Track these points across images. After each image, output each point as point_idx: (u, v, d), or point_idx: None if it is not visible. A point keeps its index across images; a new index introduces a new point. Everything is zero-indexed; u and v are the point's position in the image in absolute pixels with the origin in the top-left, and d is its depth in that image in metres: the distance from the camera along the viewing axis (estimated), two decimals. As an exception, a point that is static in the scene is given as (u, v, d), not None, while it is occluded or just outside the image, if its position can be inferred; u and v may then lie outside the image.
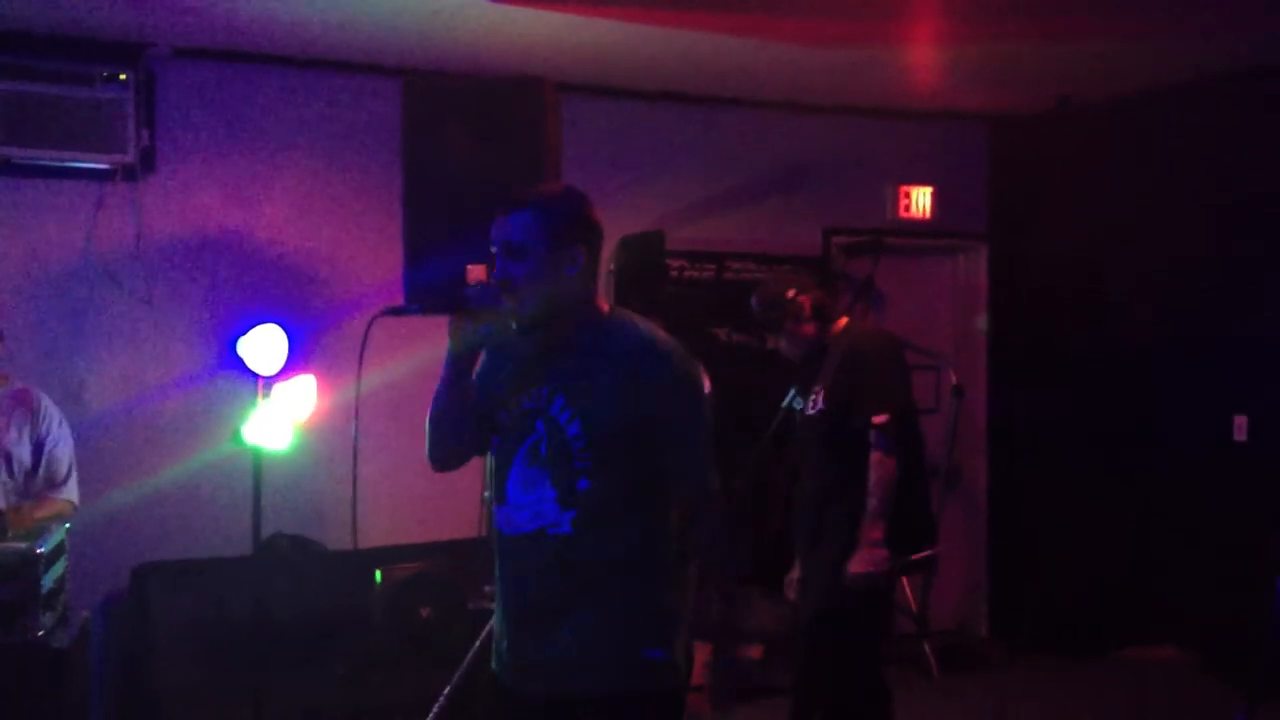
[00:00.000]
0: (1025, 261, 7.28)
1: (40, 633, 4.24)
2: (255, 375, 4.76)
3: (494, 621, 2.91)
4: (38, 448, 4.51)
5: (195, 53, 5.52)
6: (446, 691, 4.43)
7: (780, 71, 6.10)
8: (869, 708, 4.45)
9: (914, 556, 4.37)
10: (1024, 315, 7.30)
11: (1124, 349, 6.78)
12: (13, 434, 4.46)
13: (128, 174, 5.40)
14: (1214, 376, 6.32)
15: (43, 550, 4.28)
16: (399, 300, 4.19)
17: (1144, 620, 6.65)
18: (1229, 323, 6.26)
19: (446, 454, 2.92)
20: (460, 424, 2.84)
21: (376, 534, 5.65)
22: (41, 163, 5.28)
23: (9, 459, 4.45)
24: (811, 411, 4.47)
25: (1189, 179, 6.43)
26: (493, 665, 2.88)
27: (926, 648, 6.57)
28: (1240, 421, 6.17)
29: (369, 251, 5.77)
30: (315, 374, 4.98)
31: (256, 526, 4.71)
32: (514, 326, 2.75)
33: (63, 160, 5.29)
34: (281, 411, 4.76)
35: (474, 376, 2.83)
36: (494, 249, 2.76)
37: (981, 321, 7.48)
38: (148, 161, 5.46)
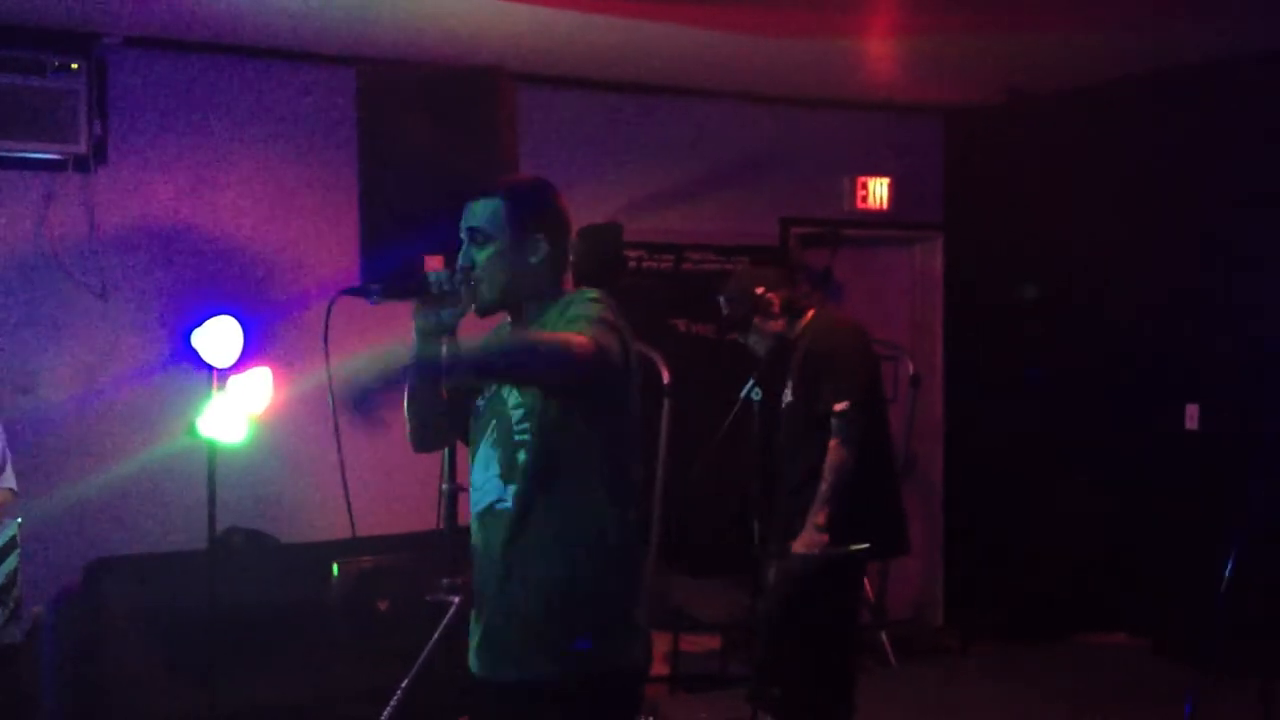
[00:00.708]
0: (980, 252, 7.34)
1: (-8, 628, 4.20)
2: (210, 367, 4.72)
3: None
4: None
5: (148, 42, 5.46)
6: (405, 684, 4.42)
7: (738, 62, 6.11)
8: (828, 693, 4.45)
9: (854, 548, 4.34)
10: (979, 305, 7.35)
11: (1078, 338, 6.85)
12: None
13: (80, 164, 5.34)
14: (1166, 365, 6.39)
15: (-6, 545, 4.25)
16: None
17: (1097, 606, 6.73)
18: (1181, 312, 6.33)
19: (424, 437, 2.97)
20: (431, 408, 2.88)
21: (332, 527, 5.62)
22: (-9, 153, 5.22)
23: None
24: (786, 401, 4.53)
25: (1140, 170, 6.50)
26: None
27: (883, 636, 6.61)
28: (1192, 410, 6.25)
29: (325, 242, 5.74)
30: (271, 366, 4.95)
31: (211, 520, 4.67)
32: (475, 312, 2.78)
33: (13, 150, 5.22)
34: (236, 404, 4.72)
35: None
36: (462, 235, 2.80)
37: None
38: (100, 152, 5.41)
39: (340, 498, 5.53)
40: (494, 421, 2.78)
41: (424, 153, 3.97)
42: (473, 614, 2.85)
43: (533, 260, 2.77)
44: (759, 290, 4.52)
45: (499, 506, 2.73)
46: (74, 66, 5.24)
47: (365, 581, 5.34)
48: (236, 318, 4.80)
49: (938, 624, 7.38)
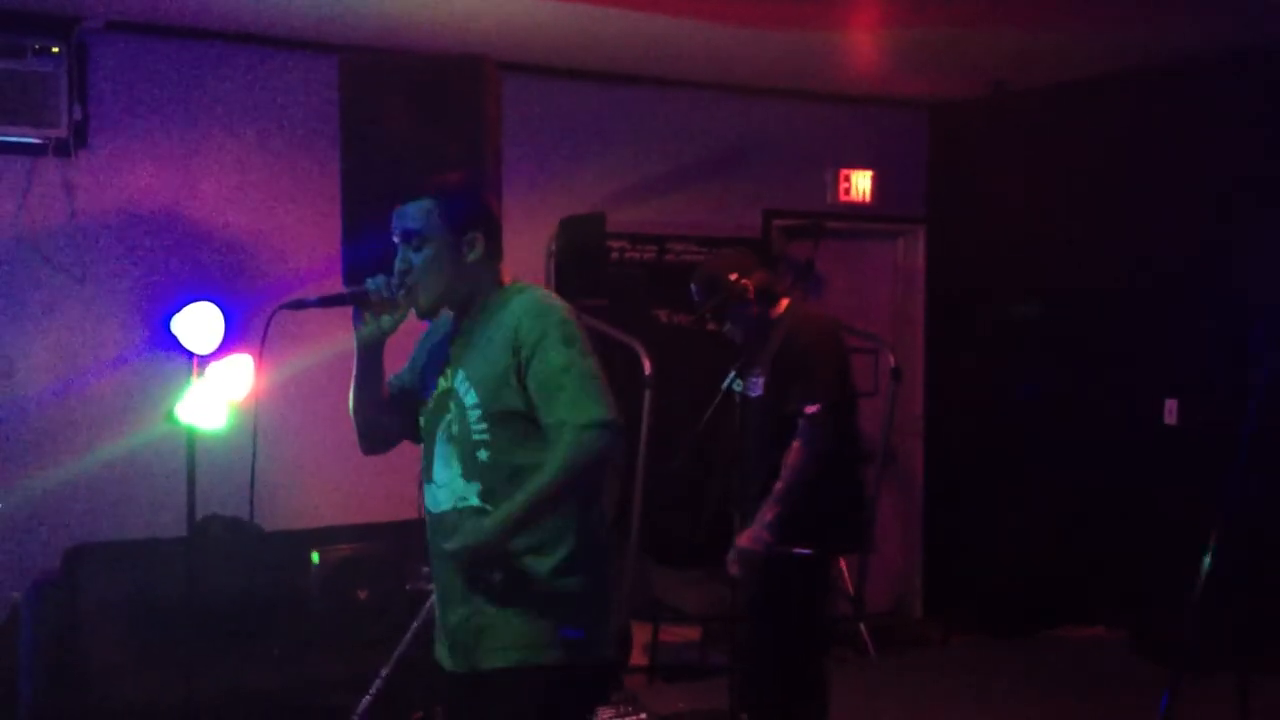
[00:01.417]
0: (963, 246, 7.35)
1: (-32, 615, 4.19)
2: (190, 354, 4.70)
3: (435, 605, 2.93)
4: None
5: (129, 26, 5.43)
6: (384, 672, 4.42)
7: (722, 54, 6.11)
8: (804, 690, 4.45)
9: (796, 551, 4.25)
10: (961, 299, 7.37)
11: (1059, 333, 6.88)
12: None
13: (60, 149, 5.30)
14: (1146, 360, 6.42)
15: (-29, 531, 4.23)
16: (336, 277, 4.18)
17: (1076, 600, 6.77)
18: (1161, 307, 6.36)
19: (371, 441, 2.99)
20: (376, 411, 2.92)
21: (312, 515, 5.62)
22: (-29, 136, 5.18)
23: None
24: (753, 395, 4.42)
25: (1123, 166, 6.52)
26: (435, 652, 2.91)
27: (862, 628, 6.63)
28: (1171, 405, 6.28)
29: (307, 229, 5.72)
30: (251, 353, 4.93)
31: (191, 507, 4.65)
32: (416, 314, 2.81)
33: (-7, 134, 5.20)
34: (216, 391, 4.70)
35: (408, 361, 2.92)
36: (395, 238, 2.80)
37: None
38: (80, 136, 5.37)
39: (319, 486, 5.55)
40: (448, 416, 2.78)
41: (407, 141, 3.96)
42: (438, 610, 2.86)
43: (470, 258, 2.78)
44: (733, 276, 4.38)
45: (463, 505, 2.74)
46: (54, 50, 5.21)
47: (345, 570, 5.34)
48: (217, 304, 4.77)
49: (917, 616, 7.41)
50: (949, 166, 7.47)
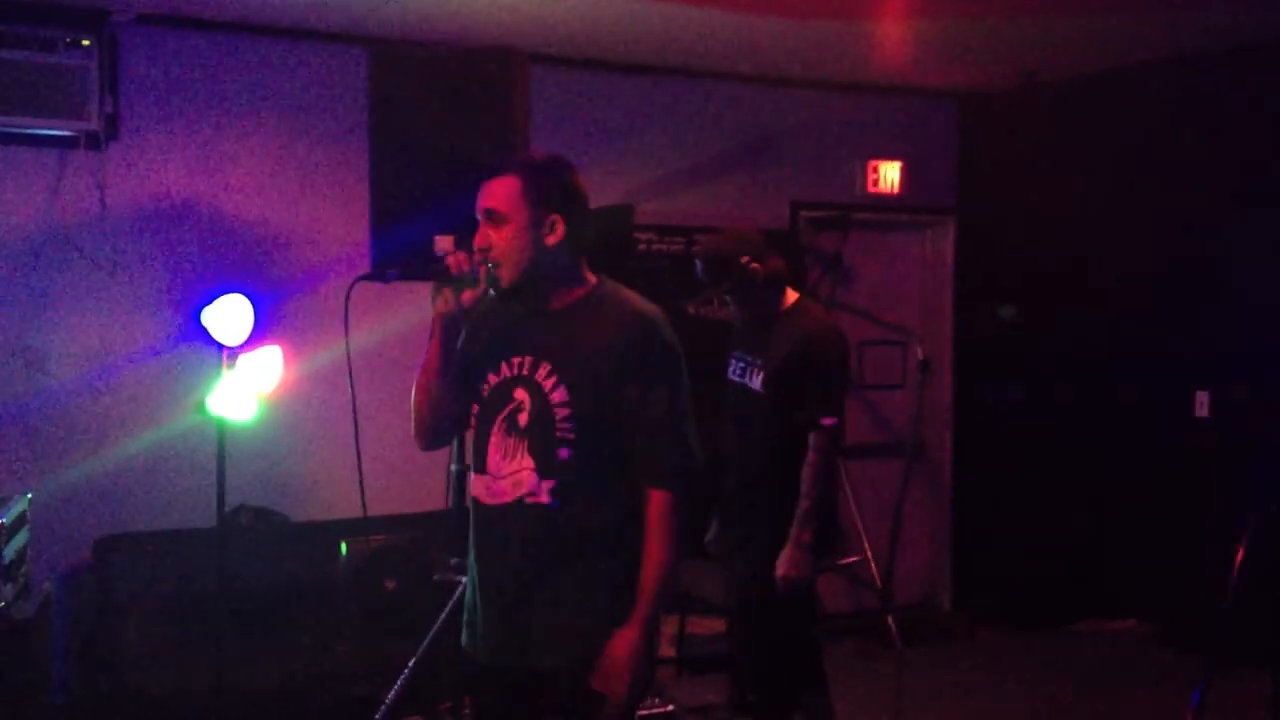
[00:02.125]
0: (992, 237, 7.31)
1: (2, 604, 4.22)
2: (220, 346, 4.72)
3: (467, 594, 2.89)
4: None
5: (159, 19, 5.46)
6: (411, 663, 4.43)
7: (750, 44, 6.09)
8: (803, 691, 4.35)
9: (841, 561, 4.27)
10: (991, 291, 7.33)
11: (1089, 324, 6.84)
12: None
13: (91, 141, 5.33)
14: (1177, 352, 6.37)
15: (4, 521, 4.26)
16: (364, 269, 4.17)
17: (1105, 593, 6.74)
18: (1193, 299, 6.31)
19: (434, 431, 2.91)
20: (445, 398, 2.83)
21: (342, 506, 5.63)
22: (3, 129, 5.21)
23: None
24: (753, 388, 4.23)
25: (1155, 156, 6.48)
26: (463, 640, 2.88)
27: (890, 621, 6.60)
28: (1202, 397, 6.24)
29: (335, 221, 5.73)
30: (281, 344, 4.95)
31: (220, 498, 4.68)
32: (492, 294, 2.75)
33: (25, 127, 5.22)
34: (246, 382, 4.73)
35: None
36: (478, 215, 2.75)
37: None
38: (112, 129, 5.40)
39: (348, 477, 5.54)
40: (516, 410, 2.72)
41: (435, 133, 3.96)
42: (481, 603, 2.81)
43: (550, 241, 2.72)
44: (744, 259, 4.16)
45: (531, 501, 2.69)
46: (85, 43, 5.23)
47: (373, 561, 5.36)
48: (247, 296, 4.79)
49: (945, 609, 7.38)
50: (978, 158, 7.43)
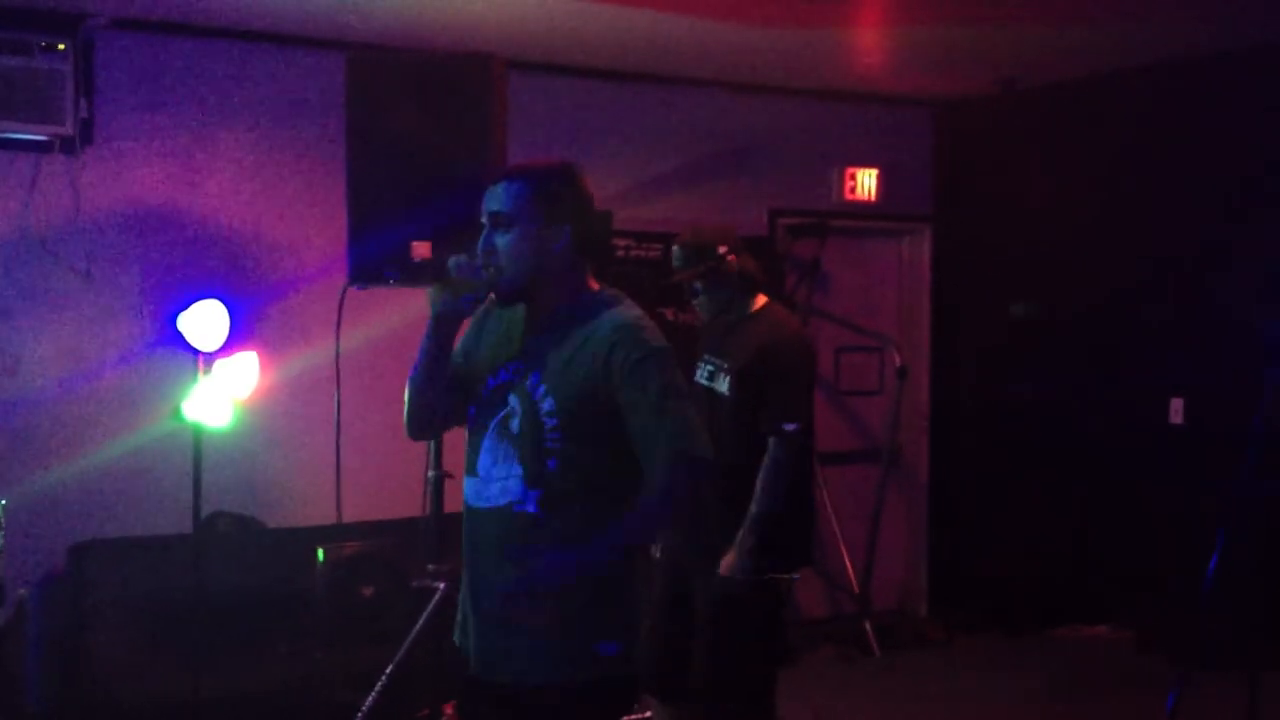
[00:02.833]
0: (969, 244, 7.35)
1: (-25, 611, 4.19)
2: (196, 351, 4.71)
3: (460, 596, 2.88)
4: None
5: (135, 24, 5.43)
6: (389, 670, 4.42)
7: (726, 51, 6.10)
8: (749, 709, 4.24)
9: (794, 574, 4.11)
10: (967, 297, 7.37)
11: (1064, 331, 6.87)
12: None
13: (66, 146, 5.30)
14: (1152, 359, 6.41)
15: (-23, 527, 4.23)
16: (342, 275, 4.16)
17: (1081, 599, 6.76)
18: (1168, 306, 6.36)
19: (424, 423, 2.88)
20: (438, 394, 2.81)
21: (319, 513, 5.61)
22: (-23, 133, 5.19)
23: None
24: (719, 390, 4.16)
25: (1130, 164, 6.52)
26: (455, 636, 2.86)
27: (867, 626, 6.63)
28: (1177, 404, 6.27)
29: (312, 227, 5.72)
30: (257, 350, 4.94)
31: (197, 504, 4.66)
32: (493, 298, 2.74)
33: (-1, 131, 5.20)
34: (222, 388, 4.71)
35: (455, 348, 2.82)
36: (483, 219, 2.73)
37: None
38: (86, 133, 5.37)
39: (325, 484, 5.54)
40: (508, 415, 2.70)
41: (413, 139, 3.96)
42: (468, 612, 2.80)
43: (555, 248, 2.70)
44: (722, 249, 4.11)
45: (518, 509, 2.67)
46: (60, 47, 5.20)
47: (350, 567, 5.34)
48: (223, 301, 4.78)
49: (922, 614, 7.41)
50: (955, 165, 7.47)
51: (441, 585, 4.17)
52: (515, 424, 2.69)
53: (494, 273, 2.69)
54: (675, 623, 4.19)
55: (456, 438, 2.96)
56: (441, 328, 2.73)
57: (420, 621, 4.32)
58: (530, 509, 2.66)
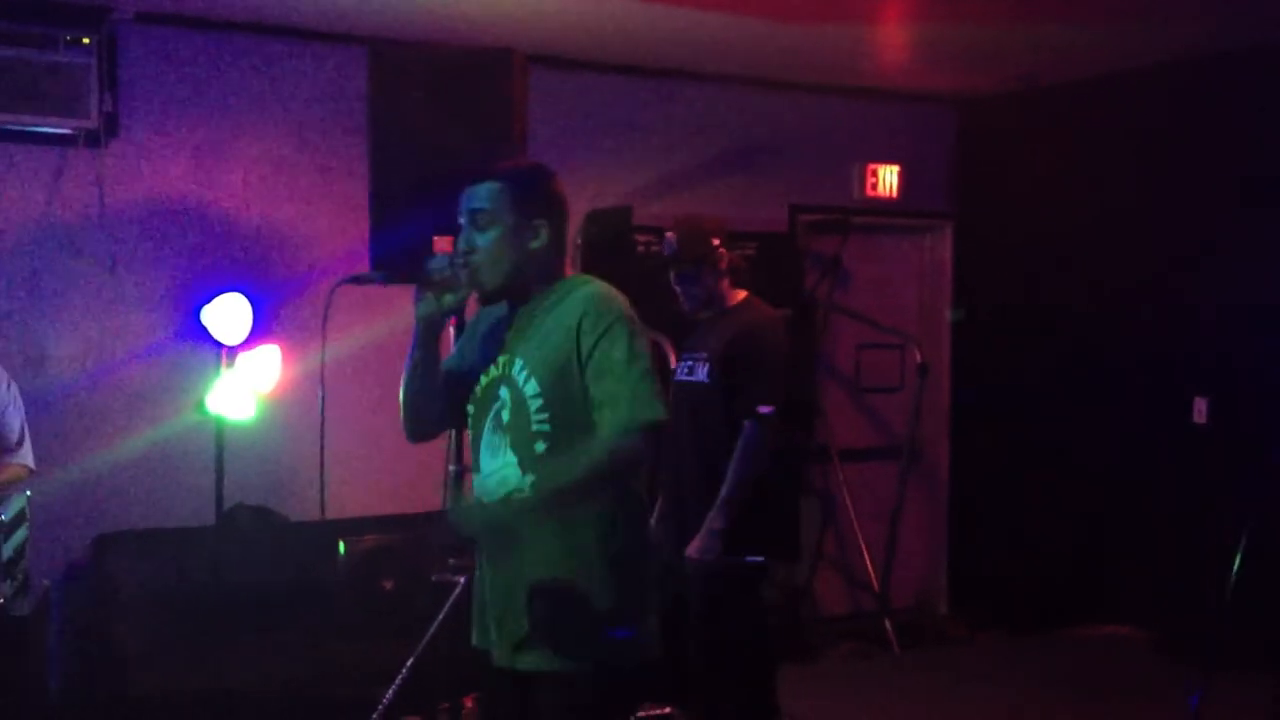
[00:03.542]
0: (990, 241, 7.32)
1: (0, 601, 4.22)
2: (219, 345, 4.74)
3: (475, 592, 2.91)
4: None
5: (159, 18, 5.46)
6: (409, 663, 4.44)
7: (749, 47, 6.09)
8: (751, 702, 4.28)
9: (749, 560, 4.13)
10: (988, 295, 7.34)
11: (1087, 330, 6.84)
12: None
13: (90, 139, 5.34)
14: (1175, 358, 6.38)
15: (3, 518, 4.27)
16: (363, 269, 4.18)
17: (1102, 599, 6.74)
18: (1192, 305, 6.32)
19: (418, 425, 2.94)
20: (429, 395, 2.87)
21: (340, 506, 5.63)
22: (3, 127, 5.20)
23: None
24: (699, 380, 4.24)
25: (1153, 161, 6.48)
26: (474, 637, 2.89)
27: (887, 624, 6.62)
28: (1200, 404, 6.24)
29: (334, 220, 5.74)
30: (279, 344, 4.96)
31: (219, 497, 4.70)
32: (475, 297, 2.78)
33: (24, 124, 5.22)
34: (245, 381, 4.74)
35: (454, 349, 2.87)
36: (461, 219, 2.79)
37: (953, 313, 7.47)
38: (111, 127, 5.40)
39: (346, 477, 5.59)
40: (502, 407, 2.75)
41: (434, 133, 3.97)
42: (482, 600, 2.83)
43: (534, 245, 2.77)
44: (715, 241, 4.25)
45: (518, 497, 2.71)
46: (85, 41, 5.24)
47: (371, 560, 5.35)
48: (245, 295, 4.81)
49: (942, 613, 7.39)
50: (977, 162, 7.44)
51: (461, 579, 4.18)
52: (505, 414, 2.74)
53: (473, 272, 2.75)
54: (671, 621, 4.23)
55: (478, 431, 2.97)
56: (428, 330, 2.80)
57: (440, 615, 4.34)
58: (529, 494, 2.70)
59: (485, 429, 2.78)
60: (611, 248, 5.68)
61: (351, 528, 5.41)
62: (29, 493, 4.57)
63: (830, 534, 7.05)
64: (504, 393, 2.75)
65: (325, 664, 5.15)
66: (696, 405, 4.23)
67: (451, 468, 4.40)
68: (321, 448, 3.18)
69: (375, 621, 5.28)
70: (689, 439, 4.23)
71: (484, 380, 2.82)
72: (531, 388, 2.70)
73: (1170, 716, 4.88)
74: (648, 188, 6.54)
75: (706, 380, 4.21)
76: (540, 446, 2.69)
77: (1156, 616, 6.40)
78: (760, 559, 4.17)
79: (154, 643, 5.07)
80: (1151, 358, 6.50)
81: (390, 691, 4.44)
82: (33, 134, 5.27)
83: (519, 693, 2.78)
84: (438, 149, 3.93)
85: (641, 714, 4.85)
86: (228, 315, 4.73)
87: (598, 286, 2.78)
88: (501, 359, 2.79)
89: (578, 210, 5.93)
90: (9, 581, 4.32)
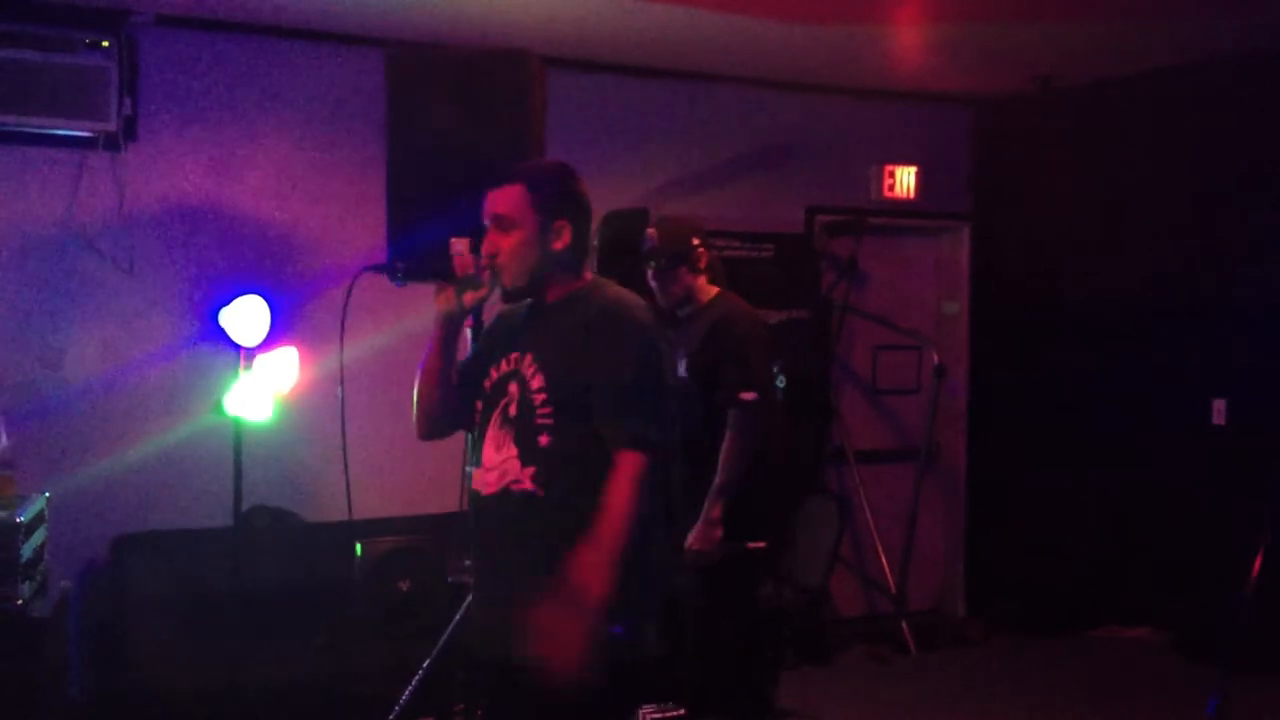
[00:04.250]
0: (1007, 242, 7.30)
1: (19, 602, 4.24)
2: (237, 346, 4.75)
3: (472, 587, 2.93)
4: None
5: (178, 21, 5.48)
6: (426, 664, 4.44)
7: (766, 48, 6.09)
8: (749, 691, 4.31)
9: (750, 545, 4.19)
10: (1005, 296, 7.32)
11: (1104, 331, 6.82)
12: None
13: (109, 142, 5.36)
14: (1194, 359, 6.36)
15: (22, 519, 4.28)
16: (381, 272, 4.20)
17: (1119, 601, 6.72)
18: (1210, 306, 6.30)
19: (431, 424, 2.98)
20: (444, 395, 2.90)
21: (357, 507, 5.64)
22: (22, 130, 5.22)
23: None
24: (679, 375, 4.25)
25: (1170, 162, 6.46)
26: (471, 633, 2.90)
27: (904, 626, 6.61)
28: (1219, 405, 6.22)
29: (352, 223, 5.75)
30: (297, 345, 4.97)
31: (237, 498, 4.71)
32: (499, 297, 2.81)
33: (44, 128, 5.24)
34: (263, 383, 4.75)
35: (470, 350, 2.89)
36: (485, 221, 2.82)
37: (949, 306, 7.48)
38: (130, 129, 5.43)
39: (363, 479, 5.59)
40: (510, 402, 2.77)
41: (452, 135, 3.97)
42: (480, 594, 2.86)
43: (556, 246, 2.80)
44: (694, 240, 4.37)
45: (516, 489, 2.73)
46: (104, 44, 5.26)
47: (387, 562, 5.37)
48: (264, 297, 4.82)
49: (959, 614, 7.37)
50: (994, 163, 7.43)
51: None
52: (512, 409, 2.76)
53: (498, 273, 2.79)
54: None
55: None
56: (447, 328, 2.84)
57: (457, 616, 4.34)
58: (527, 486, 2.72)
59: (492, 424, 2.80)
60: (627, 250, 5.67)
61: (369, 529, 5.43)
62: (48, 494, 4.59)
63: (847, 536, 7.04)
64: (513, 388, 2.77)
65: (342, 664, 5.16)
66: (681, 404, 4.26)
67: (468, 468, 4.40)
68: (344, 445, 3.18)
69: (392, 622, 5.30)
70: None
71: (494, 375, 2.85)
72: (538, 383, 2.73)
73: (1189, 718, 4.86)
74: (664, 189, 6.54)
75: (685, 375, 4.26)
76: (543, 440, 2.70)
77: (1174, 618, 6.38)
78: (761, 544, 4.21)
79: (172, 643, 5.09)
80: (1170, 359, 6.48)
81: (407, 692, 4.45)
82: (52, 137, 5.30)
83: (508, 685, 2.78)
84: (455, 151, 3.94)
85: (644, 714, 4.85)
86: (246, 317, 4.74)
87: (620, 293, 2.81)
88: (514, 355, 2.81)
89: (595, 212, 5.92)
90: (27, 583, 4.33)
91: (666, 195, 6.51)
